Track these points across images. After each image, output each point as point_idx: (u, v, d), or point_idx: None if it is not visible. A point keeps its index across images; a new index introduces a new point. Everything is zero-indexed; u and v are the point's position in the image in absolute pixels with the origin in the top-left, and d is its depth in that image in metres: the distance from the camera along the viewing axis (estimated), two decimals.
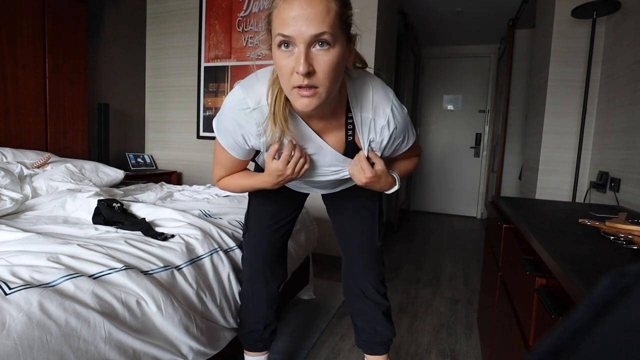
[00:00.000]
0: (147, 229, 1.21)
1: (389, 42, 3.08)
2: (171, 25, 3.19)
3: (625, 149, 1.79)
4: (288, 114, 0.82)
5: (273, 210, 1.18)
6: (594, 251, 0.78)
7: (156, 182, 2.39)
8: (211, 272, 1.19)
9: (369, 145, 0.92)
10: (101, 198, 1.45)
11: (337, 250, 1.26)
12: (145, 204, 1.51)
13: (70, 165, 1.98)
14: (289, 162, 0.88)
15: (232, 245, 1.33)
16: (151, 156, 3.27)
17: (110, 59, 2.97)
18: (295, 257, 1.64)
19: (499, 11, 3.61)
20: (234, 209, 1.61)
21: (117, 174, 2.19)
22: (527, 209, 1.30)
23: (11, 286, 0.76)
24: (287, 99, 0.79)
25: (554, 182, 2.35)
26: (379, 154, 0.95)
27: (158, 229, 1.26)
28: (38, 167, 1.95)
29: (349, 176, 0.97)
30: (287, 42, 0.70)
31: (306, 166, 0.91)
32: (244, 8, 2.90)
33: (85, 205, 1.42)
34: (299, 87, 0.72)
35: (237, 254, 1.33)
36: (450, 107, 4.98)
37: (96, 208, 1.36)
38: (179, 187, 2.14)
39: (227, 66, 3.00)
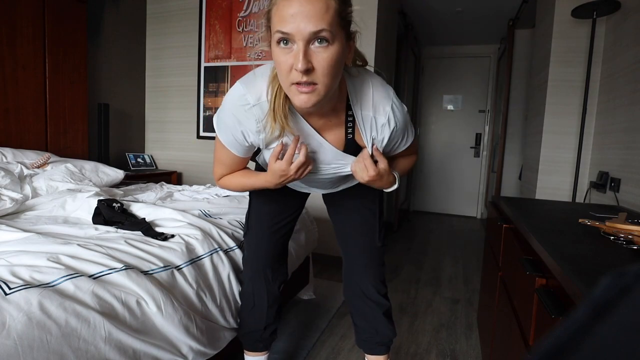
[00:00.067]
0: (147, 229, 1.21)
1: (389, 42, 3.08)
2: (171, 25, 3.19)
3: (625, 149, 1.79)
4: (288, 110, 0.82)
5: (274, 210, 1.18)
6: (594, 251, 0.78)
7: (156, 182, 2.39)
8: (211, 272, 1.19)
9: (373, 142, 0.92)
10: (101, 198, 1.45)
11: (337, 250, 1.26)
12: (145, 204, 1.51)
13: (70, 165, 1.98)
14: (292, 161, 0.87)
15: (232, 245, 1.33)
16: (151, 156, 3.27)
17: (110, 59, 2.97)
18: (295, 257, 1.64)
19: (499, 11, 3.61)
20: (234, 209, 1.61)
21: (117, 174, 2.19)
22: (527, 209, 1.30)
23: (11, 286, 0.76)
24: (287, 96, 0.79)
25: (554, 182, 2.35)
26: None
27: (158, 229, 1.26)
28: (38, 167, 1.95)
29: (349, 172, 0.97)
30: (286, 39, 0.70)
31: (310, 167, 0.91)
32: (244, 8, 2.90)
33: (85, 205, 1.42)
34: (298, 83, 0.72)
35: (237, 254, 1.33)
36: (450, 107, 4.98)
37: (96, 208, 1.36)
38: (179, 187, 2.13)
39: (227, 66, 3.00)
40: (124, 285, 0.91)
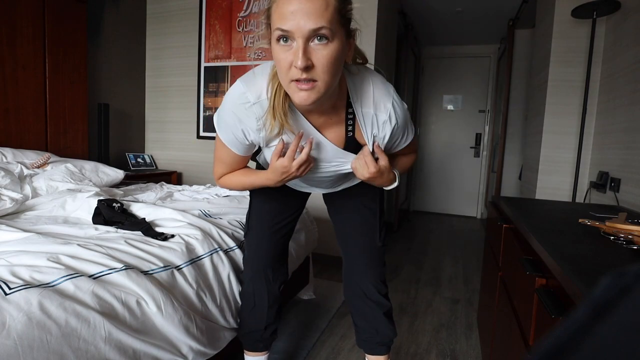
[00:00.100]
0: (147, 229, 1.21)
1: (389, 42, 3.08)
2: (171, 25, 3.19)
3: (625, 149, 1.79)
4: (287, 108, 0.82)
5: (275, 209, 1.18)
6: (594, 251, 0.78)
7: (156, 182, 2.39)
8: (211, 272, 1.19)
9: (373, 140, 0.92)
10: (101, 198, 1.45)
11: (337, 250, 1.26)
12: (145, 204, 1.51)
13: (70, 165, 1.98)
14: (294, 158, 0.88)
15: (232, 245, 1.33)
16: (151, 156, 3.27)
17: (110, 59, 2.97)
18: (295, 257, 1.64)
19: (499, 11, 3.61)
20: (234, 209, 1.61)
21: (117, 174, 2.19)
22: (527, 209, 1.30)
23: (11, 286, 0.76)
24: (287, 94, 0.80)
25: (554, 182, 2.35)
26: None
27: (158, 229, 1.26)
28: (38, 167, 1.95)
29: (349, 170, 0.97)
30: (285, 37, 0.70)
31: (311, 165, 0.91)
32: (244, 8, 2.90)
33: (85, 205, 1.42)
34: (297, 80, 0.72)
35: (237, 254, 1.33)
36: (450, 107, 4.98)
37: (96, 208, 1.36)
38: (179, 187, 2.14)
39: (227, 66, 3.00)
40: (124, 285, 0.91)
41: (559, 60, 2.30)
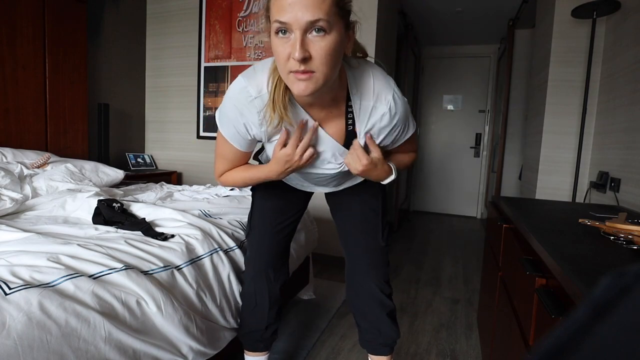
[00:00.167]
0: (147, 229, 1.21)
1: (389, 42, 3.08)
2: (171, 25, 3.19)
3: (625, 149, 1.79)
4: (288, 101, 0.83)
5: (277, 208, 1.18)
6: (594, 251, 0.78)
7: (156, 182, 2.39)
8: (211, 272, 1.19)
9: (368, 133, 0.92)
10: (101, 198, 1.45)
11: (337, 250, 1.26)
12: (145, 204, 1.51)
13: (70, 165, 1.98)
14: (297, 146, 0.88)
15: (232, 245, 1.33)
16: (151, 156, 3.27)
17: (110, 59, 2.97)
18: (295, 257, 1.64)
19: (499, 11, 3.61)
20: (234, 209, 1.61)
21: (117, 174, 2.19)
22: (527, 209, 1.30)
23: (11, 286, 0.76)
24: (287, 87, 0.80)
25: (554, 182, 2.35)
26: (377, 141, 0.94)
27: (158, 229, 1.26)
28: (38, 167, 1.95)
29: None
30: (284, 29, 0.71)
31: (314, 155, 0.91)
32: (244, 8, 2.90)
33: (85, 205, 1.42)
34: (295, 71, 0.73)
35: (237, 254, 1.33)
36: (450, 107, 4.98)
37: (96, 208, 1.36)
38: (179, 187, 2.14)
39: (227, 66, 3.00)
40: (124, 285, 0.91)
41: (559, 60, 2.30)
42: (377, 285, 1.16)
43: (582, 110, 2.08)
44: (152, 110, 3.34)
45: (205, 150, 3.16)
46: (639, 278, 0.19)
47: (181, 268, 1.10)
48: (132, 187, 2.11)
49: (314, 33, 0.70)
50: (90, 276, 0.88)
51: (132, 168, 2.98)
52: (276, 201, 1.17)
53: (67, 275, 0.84)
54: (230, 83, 3.37)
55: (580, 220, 1.04)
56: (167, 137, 3.31)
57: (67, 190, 1.66)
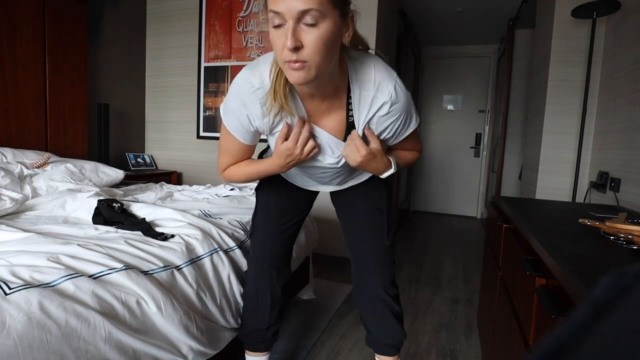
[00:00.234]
0: (147, 229, 1.21)
1: (389, 42, 3.08)
2: (171, 25, 3.19)
3: (625, 149, 1.79)
4: (288, 92, 0.84)
5: (281, 207, 1.18)
6: (594, 251, 0.78)
7: (156, 182, 2.39)
8: (211, 272, 1.19)
9: (367, 124, 0.91)
10: (101, 198, 1.45)
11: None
12: (145, 204, 1.51)
13: (70, 165, 1.98)
14: (298, 140, 0.89)
15: (232, 245, 1.33)
16: (151, 156, 3.27)
17: (110, 59, 2.97)
18: (295, 257, 1.64)
19: (499, 11, 3.61)
20: (234, 209, 1.60)
21: (117, 174, 2.19)
22: (527, 209, 1.30)
23: (11, 286, 0.76)
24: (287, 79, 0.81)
25: (554, 182, 2.35)
26: (377, 133, 0.93)
27: (158, 229, 1.25)
28: (38, 167, 1.95)
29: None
30: (279, 21, 0.72)
31: (316, 149, 0.92)
32: (244, 8, 2.90)
33: (85, 205, 1.42)
34: (289, 61, 0.74)
35: (237, 254, 1.33)
36: (450, 107, 4.98)
37: (96, 208, 1.36)
38: (179, 187, 2.13)
39: (227, 66, 3.00)
40: (124, 285, 0.91)
41: (559, 60, 2.30)
42: (382, 287, 1.15)
43: (582, 110, 2.08)
44: (152, 110, 3.34)
45: (205, 150, 3.16)
46: (639, 278, 0.19)
47: (181, 268, 1.10)
48: (132, 187, 2.11)
49: (307, 20, 0.71)
50: (90, 276, 0.88)
51: (132, 168, 2.98)
52: (280, 201, 1.17)
53: (67, 275, 0.84)
54: (230, 83, 3.36)
55: (580, 220, 1.04)
56: (167, 137, 3.31)
57: (67, 190, 1.66)
